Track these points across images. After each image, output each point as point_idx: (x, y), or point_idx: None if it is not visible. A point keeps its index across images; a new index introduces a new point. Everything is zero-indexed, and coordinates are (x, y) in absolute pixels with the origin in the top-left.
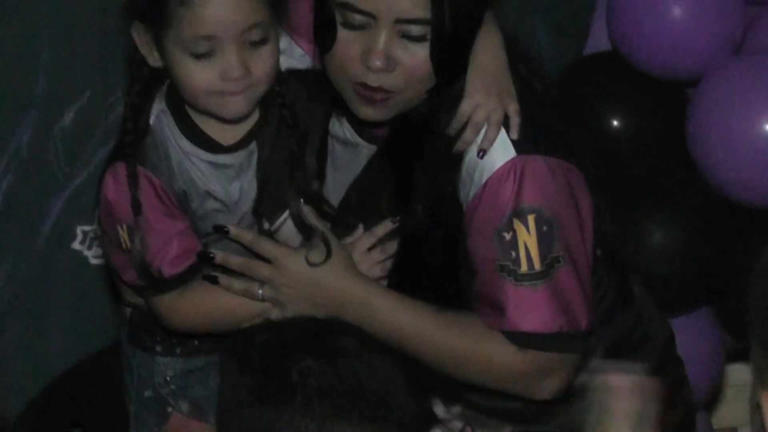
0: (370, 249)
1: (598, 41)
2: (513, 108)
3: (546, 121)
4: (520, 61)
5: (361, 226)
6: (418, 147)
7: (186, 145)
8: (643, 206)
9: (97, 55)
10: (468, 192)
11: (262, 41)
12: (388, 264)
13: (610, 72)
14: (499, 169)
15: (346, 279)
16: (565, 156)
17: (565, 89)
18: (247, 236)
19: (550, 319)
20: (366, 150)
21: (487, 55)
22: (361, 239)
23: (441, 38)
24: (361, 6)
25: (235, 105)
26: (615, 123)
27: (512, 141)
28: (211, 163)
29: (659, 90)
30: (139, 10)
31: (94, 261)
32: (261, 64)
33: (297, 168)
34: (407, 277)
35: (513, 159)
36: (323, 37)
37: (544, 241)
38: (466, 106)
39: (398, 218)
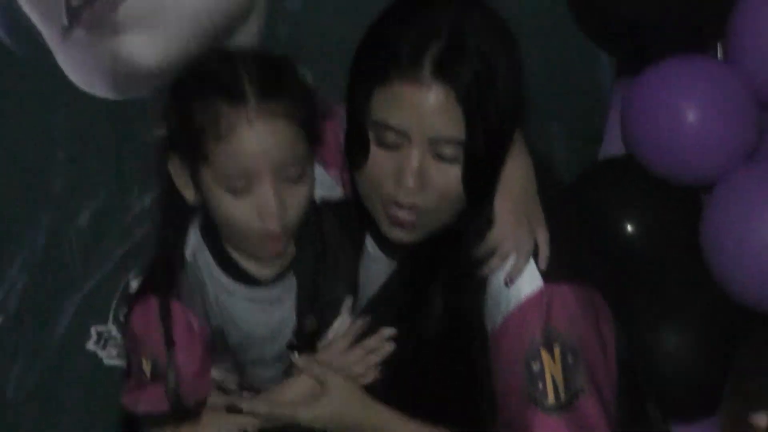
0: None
1: (613, 146)
2: (542, 237)
3: (571, 245)
4: (541, 174)
5: (332, 329)
6: (440, 265)
7: (224, 280)
8: (657, 311)
9: (113, 156)
10: (494, 318)
11: (299, 177)
12: (373, 361)
13: (625, 177)
14: (527, 299)
15: (365, 409)
16: (589, 281)
17: (579, 194)
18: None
19: None
20: (387, 264)
21: (517, 178)
22: (336, 343)
23: (474, 159)
24: (395, 125)
25: (273, 245)
26: (629, 228)
27: (540, 271)
28: (249, 297)
29: (673, 195)
30: (174, 145)
31: (108, 361)
32: (297, 201)
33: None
34: (416, 392)
35: (540, 288)
36: (356, 156)
37: (569, 371)
38: (496, 235)
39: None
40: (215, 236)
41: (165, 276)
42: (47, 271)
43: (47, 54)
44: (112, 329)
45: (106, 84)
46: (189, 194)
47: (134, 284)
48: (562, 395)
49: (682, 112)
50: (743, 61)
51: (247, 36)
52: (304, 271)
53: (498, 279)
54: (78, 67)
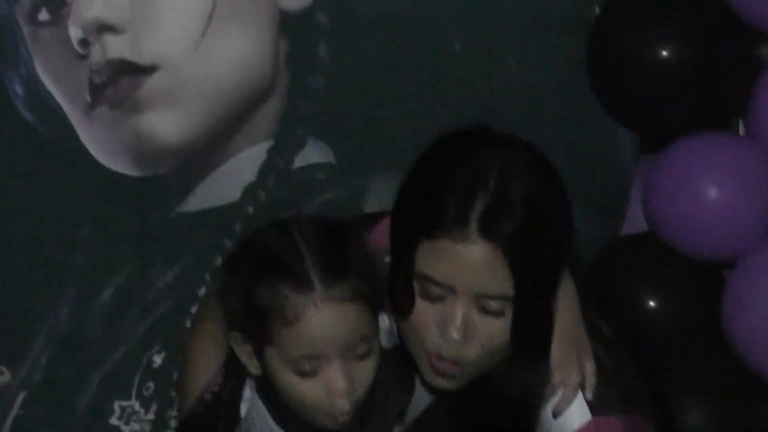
0: None
1: (635, 221)
2: (590, 369)
3: (619, 375)
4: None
5: None
6: (489, 402)
7: None
8: (680, 388)
9: (135, 232)
10: None
11: (366, 354)
12: None
13: (646, 253)
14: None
15: None
16: (638, 411)
17: (601, 269)
18: None
19: None
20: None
21: (564, 315)
22: None
23: (523, 313)
24: (441, 280)
25: (342, 418)
26: (651, 304)
27: (588, 402)
28: None
29: (695, 271)
30: (236, 323)
31: None
32: (365, 376)
33: None
34: None
35: (589, 422)
36: (401, 305)
37: None
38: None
39: None
40: (275, 397)
41: None
42: (71, 347)
43: (71, 132)
44: (135, 404)
45: (129, 161)
46: (253, 368)
47: (157, 359)
48: None
49: (704, 189)
50: (765, 136)
51: (269, 111)
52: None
53: (546, 411)
54: (101, 144)
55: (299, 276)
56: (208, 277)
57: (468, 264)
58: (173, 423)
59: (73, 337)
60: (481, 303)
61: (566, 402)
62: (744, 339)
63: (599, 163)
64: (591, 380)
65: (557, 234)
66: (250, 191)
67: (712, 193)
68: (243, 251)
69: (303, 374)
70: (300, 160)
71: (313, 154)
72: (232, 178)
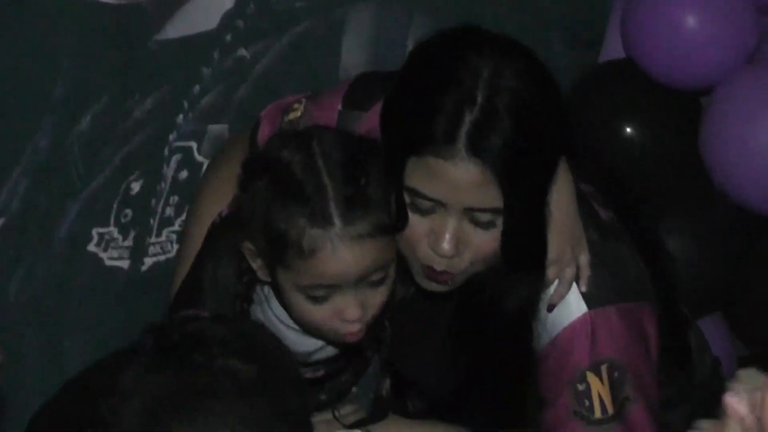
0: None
1: (613, 51)
2: (584, 260)
3: (614, 261)
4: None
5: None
6: (486, 313)
7: (281, 313)
8: (656, 214)
9: (115, 60)
10: (538, 341)
11: (381, 281)
12: None
13: (625, 81)
14: (571, 325)
15: None
16: (634, 296)
17: (579, 99)
18: None
19: None
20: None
21: (560, 209)
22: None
23: (513, 225)
24: (429, 194)
25: (351, 338)
26: (629, 131)
27: (582, 294)
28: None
29: (673, 99)
30: (249, 234)
31: (109, 263)
32: (378, 302)
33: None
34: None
35: (585, 314)
36: (395, 219)
37: (616, 387)
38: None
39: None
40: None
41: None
42: (49, 175)
43: None
44: (114, 231)
45: None
46: (262, 275)
47: (135, 186)
48: (609, 409)
49: (682, 15)
50: None
51: None
52: None
53: (544, 307)
54: None
55: (319, 210)
56: (186, 105)
57: (457, 182)
58: (151, 250)
59: (52, 165)
60: (471, 215)
61: (560, 296)
62: (720, 165)
63: None
64: (585, 272)
65: (547, 141)
66: (227, 19)
67: (691, 20)
68: (264, 162)
69: (314, 300)
70: None
71: None
72: (210, 5)
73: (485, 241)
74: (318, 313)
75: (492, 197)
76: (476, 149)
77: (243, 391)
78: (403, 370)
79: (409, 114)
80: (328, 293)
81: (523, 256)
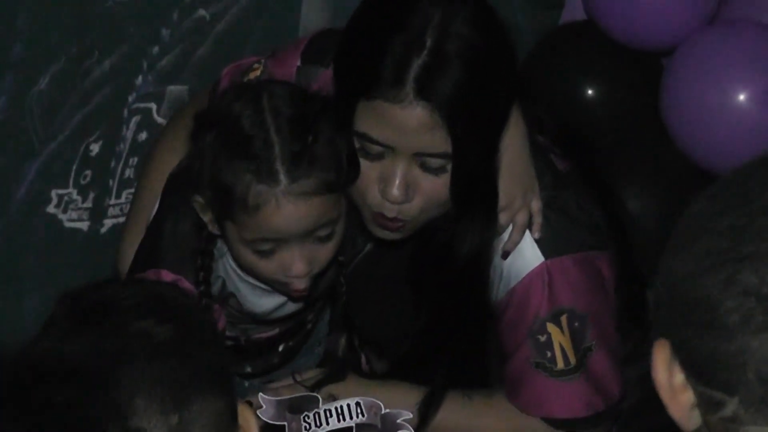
0: None
1: (574, 12)
2: (536, 206)
3: (570, 210)
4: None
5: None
6: (441, 255)
7: (237, 267)
8: (617, 175)
9: (73, 20)
10: (496, 292)
11: (328, 237)
12: None
13: (585, 42)
14: (528, 275)
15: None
16: (590, 244)
17: (540, 59)
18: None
19: (586, 405)
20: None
21: (511, 155)
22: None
23: (462, 170)
24: (378, 138)
25: (297, 293)
26: (589, 92)
27: (537, 242)
28: (255, 286)
29: (634, 60)
30: (197, 186)
31: (68, 224)
32: (324, 257)
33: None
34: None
35: (541, 264)
36: (347, 170)
37: (577, 336)
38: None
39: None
40: None
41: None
42: (7, 136)
43: None
44: (73, 193)
45: None
46: (212, 228)
47: (94, 148)
48: (572, 359)
49: None
50: None
51: None
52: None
53: (499, 256)
54: None
55: (265, 166)
56: (145, 66)
57: (405, 125)
58: (110, 211)
59: (10, 126)
60: (421, 160)
61: (514, 243)
62: (680, 126)
63: None
64: (538, 218)
65: (498, 87)
66: None
67: None
68: (215, 115)
69: (260, 254)
70: None
71: None
72: None
73: (435, 187)
74: (264, 266)
75: (441, 142)
76: (424, 92)
77: (157, 352)
78: (362, 327)
79: (358, 57)
80: (274, 247)
81: (473, 201)
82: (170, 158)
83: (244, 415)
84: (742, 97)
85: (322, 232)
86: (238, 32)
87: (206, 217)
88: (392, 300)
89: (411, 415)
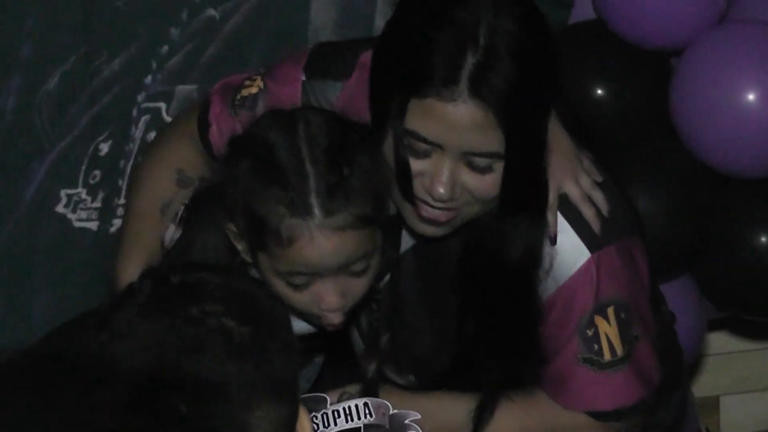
0: None
1: (583, 11)
2: (586, 182)
3: (612, 191)
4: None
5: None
6: (492, 260)
7: None
8: (626, 174)
9: (82, 19)
10: (545, 287)
11: (363, 271)
12: None
13: (595, 42)
14: (576, 272)
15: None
16: (628, 230)
17: None
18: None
19: (633, 394)
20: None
21: (558, 149)
22: None
23: (515, 168)
24: (428, 136)
25: (331, 327)
26: (599, 92)
27: (581, 235)
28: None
29: (643, 59)
30: (233, 217)
31: (77, 224)
32: (359, 291)
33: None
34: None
35: (588, 261)
36: (400, 185)
37: (624, 327)
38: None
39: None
40: None
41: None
42: (16, 136)
43: None
44: (82, 192)
45: None
46: (244, 254)
47: (103, 147)
48: (619, 350)
49: None
50: None
51: None
52: None
53: (547, 250)
54: None
55: (300, 199)
56: (154, 65)
57: (457, 124)
58: (120, 211)
59: (20, 126)
60: (468, 159)
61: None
62: (689, 126)
63: None
64: (595, 194)
65: (546, 85)
66: None
67: None
68: (248, 141)
69: (294, 287)
70: None
71: None
72: None
73: (481, 186)
74: (297, 298)
75: (491, 141)
76: (479, 91)
77: (232, 352)
78: (397, 340)
79: (406, 54)
80: (308, 281)
81: (524, 200)
82: (160, 173)
83: (301, 420)
84: (751, 96)
85: (357, 267)
86: (248, 32)
87: (240, 246)
88: (432, 310)
89: (419, 416)
